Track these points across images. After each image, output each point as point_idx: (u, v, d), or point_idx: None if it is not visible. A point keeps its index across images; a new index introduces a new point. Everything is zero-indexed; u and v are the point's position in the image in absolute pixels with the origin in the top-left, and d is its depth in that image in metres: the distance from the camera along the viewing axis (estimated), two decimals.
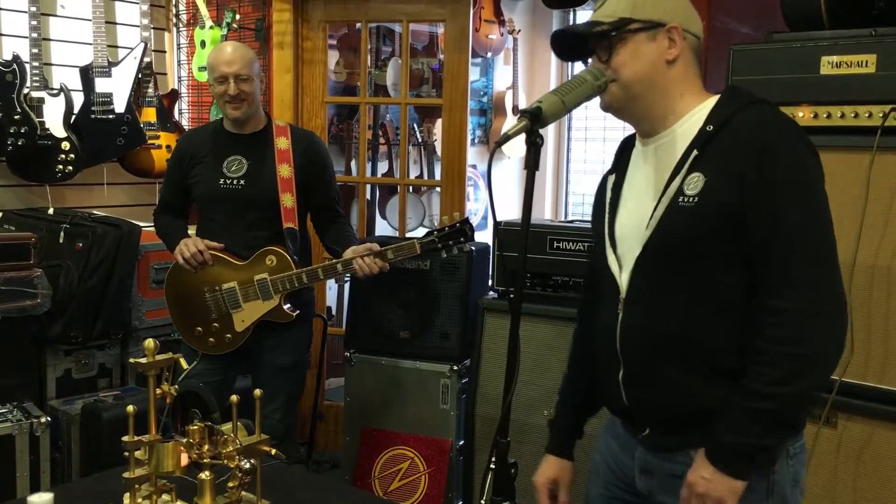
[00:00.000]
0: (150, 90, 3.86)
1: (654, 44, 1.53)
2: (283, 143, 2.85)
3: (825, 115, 2.27)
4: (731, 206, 1.44)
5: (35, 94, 3.47)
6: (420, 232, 4.47)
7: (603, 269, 1.64)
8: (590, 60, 1.60)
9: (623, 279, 1.58)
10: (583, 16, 5.14)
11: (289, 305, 2.80)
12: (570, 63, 5.46)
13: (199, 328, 2.85)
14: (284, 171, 2.82)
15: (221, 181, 2.81)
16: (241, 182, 2.81)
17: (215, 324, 2.83)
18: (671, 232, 1.50)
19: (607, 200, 1.67)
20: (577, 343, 1.86)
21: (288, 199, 2.81)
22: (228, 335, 2.82)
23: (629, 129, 1.71)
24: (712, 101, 1.55)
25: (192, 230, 2.97)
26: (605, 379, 1.64)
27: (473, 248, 3.12)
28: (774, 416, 1.42)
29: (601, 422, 1.81)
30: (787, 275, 1.41)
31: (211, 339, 2.84)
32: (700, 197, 1.46)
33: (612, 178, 1.70)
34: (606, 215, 1.66)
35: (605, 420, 1.78)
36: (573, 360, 1.84)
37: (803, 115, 2.30)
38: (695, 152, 1.49)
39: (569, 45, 1.62)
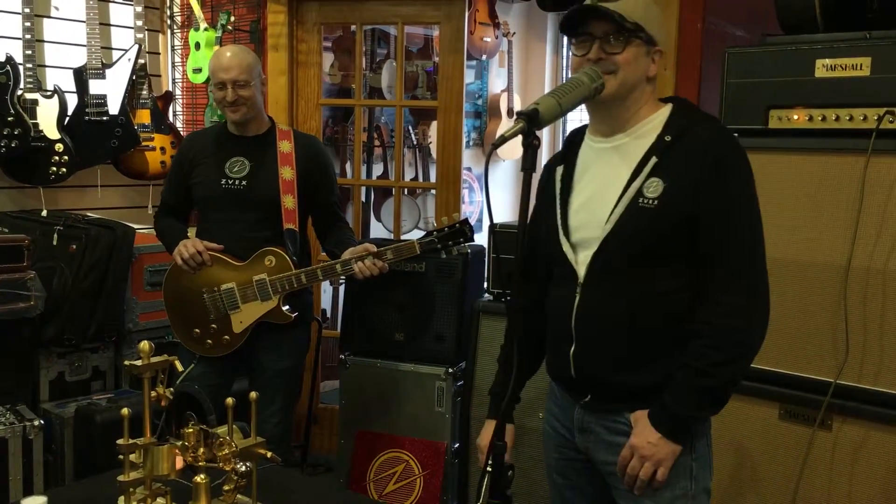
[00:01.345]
0: (145, 92, 3.85)
1: (646, 59, 1.70)
2: (285, 146, 2.86)
3: (820, 118, 2.27)
4: (688, 210, 1.63)
5: (29, 95, 3.46)
6: (415, 234, 4.47)
7: (555, 254, 1.78)
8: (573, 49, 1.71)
9: (581, 265, 1.73)
10: None
11: (287, 307, 2.80)
12: (565, 66, 5.47)
13: (197, 330, 2.84)
14: (287, 173, 2.82)
15: (223, 181, 2.81)
16: (243, 182, 2.81)
17: (213, 325, 2.82)
18: (631, 228, 1.66)
19: (557, 191, 1.81)
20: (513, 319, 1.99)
21: (289, 201, 2.81)
22: (226, 337, 2.81)
23: None
24: (664, 111, 1.73)
25: (191, 232, 2.96)
26: (556, 353, 1.81)
27: (469, 250, 3.12)
28: (714, 391, 1.67)
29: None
30: (735, 273, 1.64)
31: (209, 341, 2.83)
32: (659, 200, 1.64)
33: (560, 169, 1.83)
34: (558, 205, 1.79)
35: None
36: (510, 334, 1.95)
37: (798, 117, 2.31)
38: (654, 159, 1.66)
39: (580, 20, 1.69)
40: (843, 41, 2.24)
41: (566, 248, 1.76)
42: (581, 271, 1.72)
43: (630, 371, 1.70)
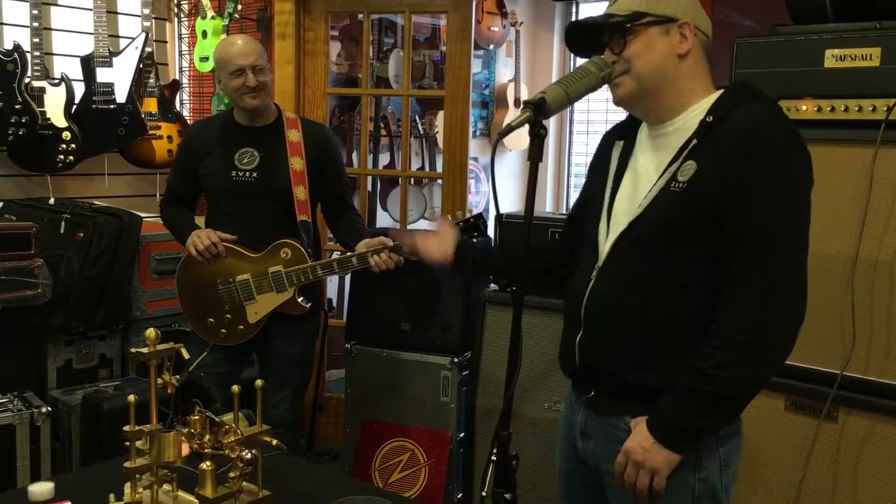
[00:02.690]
0: (152, 80, 3.85)
1: (667, 38, 1.57)
2: (294, 135, 2.85)
3: (829, 109, 2.26)
4: (714, 196, 1.50)
5: (36, 83, 3.46)
6: (421, 224, 4.47)
7: (591, 234, 1.70)
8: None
9: (604, 249, 1.64)
10: (586, 8, 5.13)
11: (302, 298, 2.80)
12: (573, 56, 5.45)
13: (211, 319, 2.85)
14: (297, 163, 2.82)
15: (233, 173, 2.81)
16: (254, 174, 2.80)
17: (228, 315, 2.82)
18: (657, 214, 1.56)
19: (612, 168, 1.71)
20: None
21: (301, 192, 2.81)
22: (241, 327, 2.82)
23: None
24: (713, 95, 1.61)
25: (199, 221, 2.97)
26: (564, 338, 1.74)
27: (477, 242, 3.11)
28: (716, 398, 1.49)
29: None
30: (751, 268, 1.48)
31: (223, 331, 2.84)
32: (688, 184, 1.52)
33: (620, 145, 1.72)
34: (609, 186, 1.69)
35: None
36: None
37: (807, 108, 2.29)
38: (694, 141, 1.55)
39: (582, 37, 1.65)
40: (852, 31, 2.23)
41: (602, 227, 1.67)
42: (602, 254, 1.64)
43: (636, 367, 1.58)
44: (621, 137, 1.73)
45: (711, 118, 1.54)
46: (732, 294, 1.49)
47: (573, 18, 5.46)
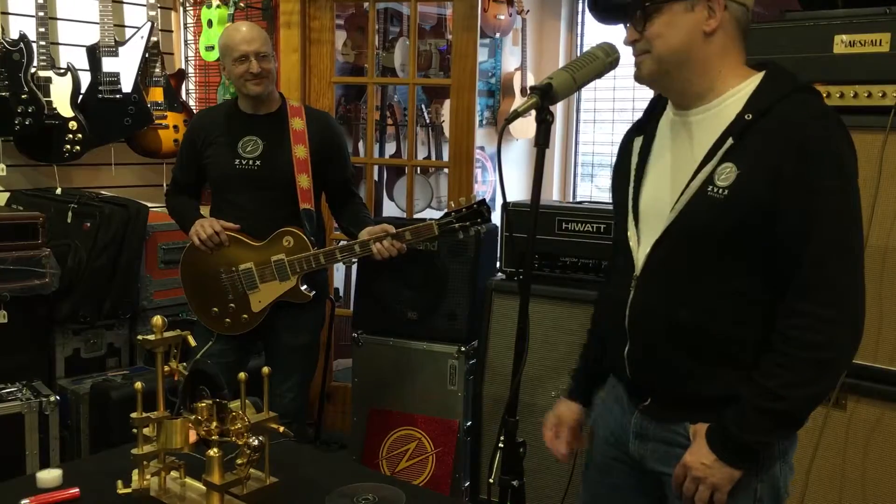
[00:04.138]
0: (157, 70, 3.85)
1: (692, 14, 1.45)
2: (298, 123, 2.84)
3: (838, 95, 2.24)
4: (763, 202, 1.40)
5: (42, 73, 3.46)
6: (428, 213, 4.46)
7: (621, 241, 1.61)
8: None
9: (640, 256, 1.56)
10: None
11: (305, 286, 2.80)
12: (580, 43, 5.43)
13: (216, 308, 2.85)
14: (300, 151, 2.82)
15: (237, 161, 2.81)
16: (257, 163, 2.80)
17: (232, 304, 2.83)
18: (696, 220, 1.46)
19: (633, 166, 1.62)
20: (598, 305, 1.86)
21: (304, 180, 2.81)
22: (245, 315, 2.82)
23: (638, 112, 1.67)
24: (754, 81, 1.49)
25: (204, 210, 2.97)
26: (611, 350, 1.64)
27: (482, 229, 3.11)
28: (784, 415, 1.43)
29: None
30: (817, 279, 1.39)
31: (227, 320, 2.84)
32: (730, 190, 1.42)
33: (639, 141, 1.64)
34: (631, 184, 1.61)
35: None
36: (594, 325, 1.82)
37: None
38: (730, 141, 1.44)
39: (607, 9, 1.59)
40: (862, 16, 2.21)
41: (631, 233, 1.58)
42: (639, 262, 1.54)
43: (689, 379, 1.51)
44: (639, 133, 1.65)
45: (750, 116, 1.43)
46: (796, 307, 1.41)
47: (579, 6, 5.43)
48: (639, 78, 1.55)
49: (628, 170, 1.63)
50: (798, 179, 1.38)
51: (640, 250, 1.56)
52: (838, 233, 1.40)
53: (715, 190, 1.44)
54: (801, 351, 1.40)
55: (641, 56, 1.51)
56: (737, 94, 1.48)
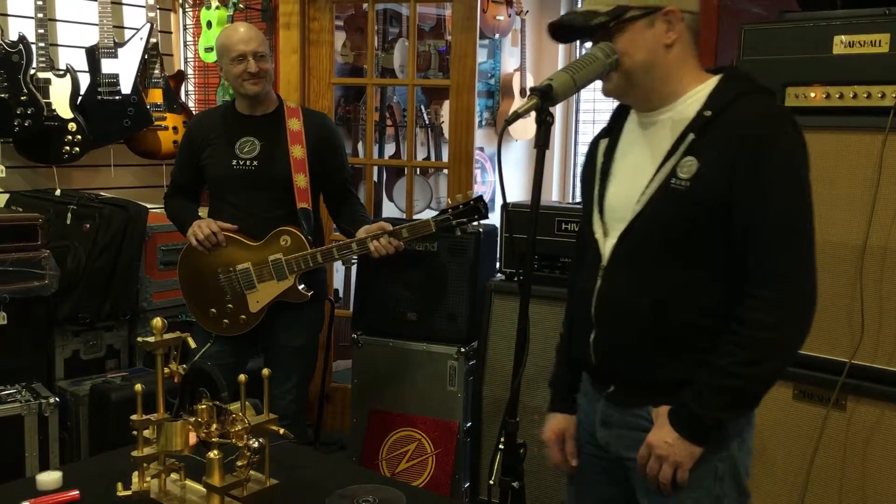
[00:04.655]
0: (157, 71, 3.85)
1: (653, 30, 1.54)
2: (295, 124, 2.85)
3: (837, 96, 2.24)
4: (722, 193, 1.48)
5: (41, 74, 3.46)
6: (427, 214, 4.46)
7: (587, 235, 1.69)
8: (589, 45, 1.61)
9: (606, 248, 1.63)
10: None
11: (303, 286, 2.80)
12: (580, 45, 5.42)
13: (214, 309, 2.85)
14: (297, 151, 2.82)
15: (234, 162, 2.81)
16: (255, 163, 2.80)
17: (230, 305, 2.83)
18: (660, 211, 1.54)
19: (598, 165, 1.71)
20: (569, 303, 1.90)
21: (301, 180, 2.81)
22: (243, 316, 2.82)
23: None
24: (711, 82, 1.58)
25: (202, 212, 2.97)
26: (578, 339, 1.71)
27: (481, 229, 3.11)
28: (739, 393, 1.52)
29: None
30: (769, 265, 1.49)
31: (225, 321, 2.84)
32: (692, 182, 1.50)
33: (604, 143, 1.72)
34: (597, 181, 1.69)
35: None
36: (568, 320, 1.86)
37: (815, 95, 2.28)
38: (691, 136, 1.52)
39: (571, 32, 1.63)
40: (861, 17, 2.21)
41: (597, 226, 1.65)
42: (605, 254, 1.62)
43: (652, 365, 1.59)
44: (605, 136, 1.73)
45: (710, 112, 1.51)
46: (752, 290, 1.49)
47: (579, 6, 5.44)
48: (607, 92, 1.62)
49: (594, 170, 1.71)
50: (751, 173, 1.47)
51: (607, 242, 1.63)
52: (789, 223, 1.49)
53: (678, 182, 1.52)
54: (753, 332, 1.49)
55: (608, 72, 1.57)
56: (696, 94, 1.57)
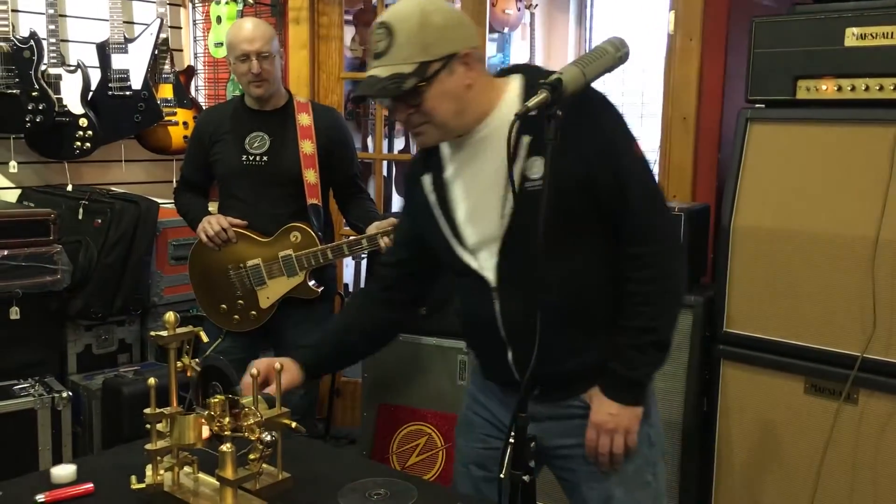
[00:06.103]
0: (167, 66, 3.86)
1: (453, 76, 1.55)
2: (305, 119, 2.85)
3: (849, 88, 2.24)
4: (580, 175, 1.54)
5: (52, 70, 3.48)
6: None
7: (454, 264, 1.68)
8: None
9: (488, 271, 1.63)
10: None
11: (314, 282, 2.81)
12: (589, 38, 5.41)
13: (224, 305, 2.86)
14: (307, 147, 2.82)
15: (244, 157, 2.81)
16: (264, 158, 2.80)
17: (240, 301, 2.84)
18: (527, 216, 1.53)
19: (432, 201, 1.69)
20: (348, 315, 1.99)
21: (311, 175, 2.81)
22: (253, 312, 2.83)
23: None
24: (514, 85, 1.62)
25: (212, 207, 2.97)
26: (491, 360, 1.74)
27: None
28: (658, 344, 1.62)
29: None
30: (639, 224, 1.58)
31: (236, 317, 2.85)
32: (546, 178, 1.49)
33: (427, 177, 1.70)
34: (439, 215, 1.67)
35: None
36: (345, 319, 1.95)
37: (827, 87, 2.27)
38: (527, 137, 1.54)
39: (380, 97, 1.60)
40: (873, 9, 2.20)
41: (465, 256, 1.65)
42: (490, 276, 1.63)
43: (576, 357, 1.64)
44: (426, 170, 1.71)
45: (535, 113, 1.44)
46: (630, 252, 1.59)
47: (588, 0, 5.42)
48: (424, 145, 1.64)
49: (427, 205, 1.69)
50: (601, 144, 1.55)
51: (486, 265, 1.63)
52: (643, 182, 1.59)
53: (532, 184, 1.55)
54: (649, 286, 1.58)
55: (421, 127, 1.58)
56: (507, 101, 1.60)
